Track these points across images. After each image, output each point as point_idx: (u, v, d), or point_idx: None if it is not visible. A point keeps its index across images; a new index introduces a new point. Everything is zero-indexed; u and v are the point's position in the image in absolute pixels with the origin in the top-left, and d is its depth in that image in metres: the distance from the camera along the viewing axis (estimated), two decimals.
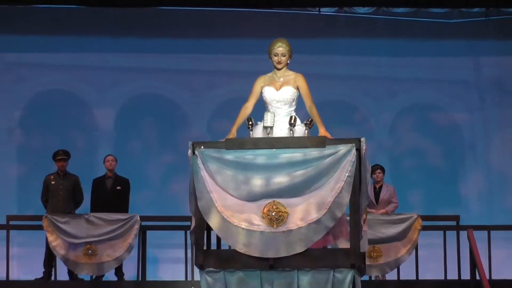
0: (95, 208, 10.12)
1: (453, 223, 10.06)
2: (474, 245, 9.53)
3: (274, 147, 6.00)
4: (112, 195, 10.24)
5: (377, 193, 10.08)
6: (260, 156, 5.98)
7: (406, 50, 12.04)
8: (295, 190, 5.93)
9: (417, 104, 12.12)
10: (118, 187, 10.28)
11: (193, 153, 5.99)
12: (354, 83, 12.00)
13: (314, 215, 5.88)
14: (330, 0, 11.56)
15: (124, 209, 10.16)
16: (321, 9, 11.87)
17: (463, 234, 9.84)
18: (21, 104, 11.92)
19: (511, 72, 12.04)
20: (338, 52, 11.87)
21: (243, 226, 5.91)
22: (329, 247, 6.37)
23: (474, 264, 9.48)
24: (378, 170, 10.14)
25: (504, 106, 12.05)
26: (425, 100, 12.14)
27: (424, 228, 9.56)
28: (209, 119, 11.84)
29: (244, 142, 6.06)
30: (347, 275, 5.90)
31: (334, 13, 11.99)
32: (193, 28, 11.90)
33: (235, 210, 5.93)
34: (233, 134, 6.34)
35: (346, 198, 5.94)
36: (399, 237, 9.48)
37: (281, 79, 6.52)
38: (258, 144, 6.02)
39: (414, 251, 9.56)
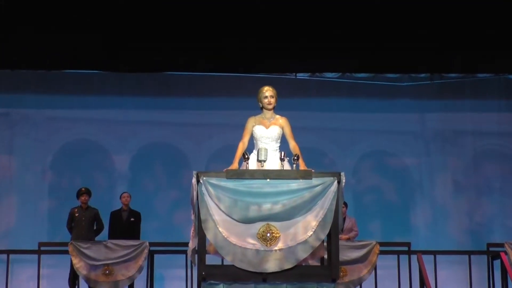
0: (112, 236, 9.91)
1: (405, 248, 9.90)
2: (423, 267, 9.37)
3: (268, 178, 5.73)
4: (126, 225, 10.07)
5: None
6: (256, 185, 5.70)
7: (366, 107, 11.84)
8: (286, 215, 5.69)
9: (375, 151, 11.92)
10: (132, 219, 10.12)
11: (198, 181, 5.68)
12: (324, 133, 11.84)
13: (302, 236, 5.68)
14: (304, 67, 11.32)
15: (137, 237, 9.96)
16: (297, 74, 11.79)
17: (414, 257, 9.68)
18: (53, 151, 11.68)
19: (450, 125, 11.88)
20: (311, 109, 11.73)
21: (240, 245, 5.60)
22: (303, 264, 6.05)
23: (423, 283, 9.31)
24: (342, 205, 9.80)
25: (445, 153, 11.85)
26: (381, 147, 11.93)
27: (382, 252, 9.42)
28: (206, 163, 11.57)
29: (242, 172, 5.76)
30: None
31: (307, 78, 11.86)
32: (195, 89, 11.74)
33: (234, 231, 5.63)
34: (235, 166, 6.06)
35: (329, 222, 5.70)
36: (361, 259, 9.33)
37: (270, 120, 6.34)
38: (254, 174, 5.75)
39: (373, 271, 9.43)
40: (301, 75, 11.81)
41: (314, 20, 10.36)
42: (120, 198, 10.24)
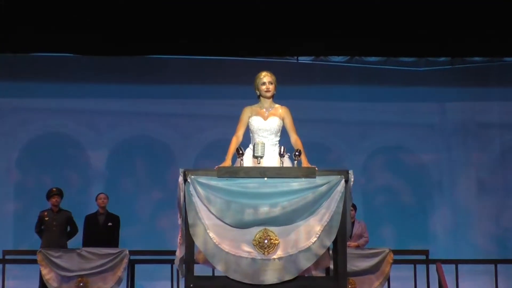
0: (87, 243, 9.88)
1: (423, 257, 9.90)
2: (442, 278, 9.35)
3: (265, 176, 5.67)
4: (103, 230, 10.05)
5: None
6: (251, 185, 5.64)
7: (377, 96, 11.85)
8: (286, 219, 5.63)
9: (387, 146, 11.92)
10: (109, 223, 10.10)
11: (185, 180, 5.63)
12: (329, 126, 11.84)
13: (304, 243, 5.63)
14: (307, 49, 11.32)
15: (115, 244, 9.94)
16: (299, 58, 11.78)
17: (432, 267, 9.68)
18: (19, 146, 11.67)
19: (473, 116, 11.92)
20: (314, 98, 11.70)
21: (233, 253, 5.56)
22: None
23: None
24: (351, 208, 9.83)
25: (467, 147, 11.89)
26: (394, 142, 11.94)
27: (396, 261, 9.39)
28: (195, 159, 11.57)
29: (236, 170, 5.71)
30: None
31: (311, 62, 11.86)
32: (182, 75, 11.71)
33: (226, 237, 5.58)
34: (228, 162, 6.04)
35: (335, 226, 5.65)
36: (372, 270, 9.29)
37: (268, 110, 6.34)
38: (250, 172, 5.68)
39: (386, 284, 9.40)
40: (303, 59, 11.80)
41: None
42: (96, 199, 10.22)
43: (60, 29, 10.45)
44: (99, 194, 10.30)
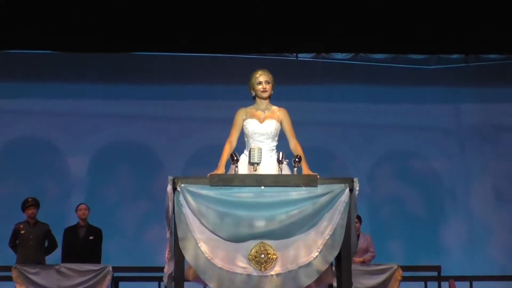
0: (66, 258, 9.89)
1: (434, 273, 9.99)
2: None
3: (262, 185, 5.66)
4: (84, 245, 10.07)
5: None
6: (247, 194, 5.62)
7: (384, 96, 11.90)
8: (285, 231, 5.61)
9: (396, 151, 11.98)
10: (91, 237, 10.12)
11: (174, 189, 5.61)
12: (331, 129, 11.88)
13: (304, 258, 5.62)
14: (307, 46, 11.36)
15: (97, 260, 9.95)
16: (299, 55, 11.80)
17: (445, 285, 9.76)
18: None
19: (491, 119, 11.98)
20: (315, 98, 11.74)
21: (227, 268, 5.55)
22: None
23: None
24: (355, 220, 9.83)
25: (483, 153, 11.94)
26: (403, 147, 11.98)
27: (405, 278, 9.42)
28: (185, 166, 11.60)
29: (230, 178, 5.70)
30: None
31: (311, 59, 11.90)
32: (169, 74, 11.76)
33: (219, 251, 5.57)
34: (221, 170, 6.04)
35: (339, 240, 5.64)
36: (379, 287, 9.30)
37: (265, 112, 6.36)
38: (245, 181, 5.66)
39: None
40: (303, 56, 11.84)
41: None
42: (76, 211, 10.23)
43: (34, 25, 10.53)
44: (80, 204, 10.31)
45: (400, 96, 11.87)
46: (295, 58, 11.80)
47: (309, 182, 5.67)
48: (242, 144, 6.37)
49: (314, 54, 11.78)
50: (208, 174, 5.73)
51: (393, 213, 11.78)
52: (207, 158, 10.91)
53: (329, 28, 10.79)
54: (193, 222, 5.57)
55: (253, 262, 5.54)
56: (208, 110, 11.54)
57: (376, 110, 11.87)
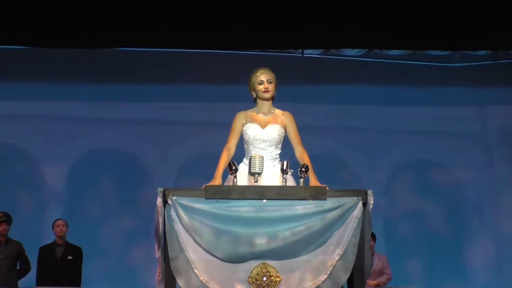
0: (41, 281, 9.92)
1: None
2: None
3: (264, 198, 5.68)
4: (62, 265, 10.10)
5: None
6: (247, 208, 5.66)
7: (402, 98, 11.93)
8: (289, 251, 5.66)
9: (415, 160, 11.98)
10: (69, 257, 10.15)
11: (165, 202, 5.62)
12: (342, 135, 11.90)
13: (312, 281, 5.66)
14: (314, 41, 11.36)
15: (76, 282, 10.00)
16: (305, 51, 11.80)
17: None
18: None
19: None
20: (324, 100, 11.78)
21: None
22: None
23: None
24: (369, 238, 9.84)
25: None
26: (423, 155, 11.99)
27: None
28: (176, 177, 11.63)
29: (227, 190, 5.72)
30: None
31: (319, 56, 11.92)
32: (158, 73, 11.76)
33: (216, 273, 5.60)
34: (218, 181, 6.06)
35: (351, 261, 5.68)
36: None
37: (267, 116, 6.39)
38: (245, 193, 5.70)
39: None
40: (309, 52, 11.85)
41: None
42: (53, 227, 10.25)
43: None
44: (57, 220, 10.33)
45: (419, 98, 11.90)
46: (300, 55, 11.82)
47: (317, 194, 5.70)
48: (241, 152, 6.38)
49: (322, 50, 11.79)
50: (203, 186, 5.73)
51: (412, 230, 11.79)
52: (201, 167, 10.91)
53: (339, 20, 10.79)
54: (186, 240, 5.59)
55: (254, 286, 5.57)
56: (203, 113, 11.58)
57: (392, 113, 11.89)
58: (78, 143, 11.81)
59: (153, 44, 11.33)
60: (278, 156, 6.36)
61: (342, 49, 11.80)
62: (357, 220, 5.69)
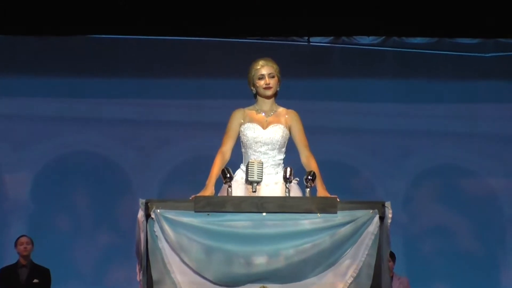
0: None
1: None
2: None
3: (264, 211, 5.69)
4: None
5: None
6: (244, 223, 5.66)
7: (425, 93, 11.93)
8: (293, 272, 5.67)
9: (440, 167, 12.01)
10: (35, 280, 10.21)
11: (147, 216, 5.62)
12: (355, 137, 11.90)
13: None
14: (323, 28, 11.34)
15: None
16: (311, 39, 11.81)
17: None
18: None
19: None
20: (333, 96, 11.82)
21: None
22: None
23: None
24: (388, 258, 9.89)
25: None
26: (450, 160, 12.03)
27: None
28: (160, 186, 11.68)
29: (221, 202, 5.72)
30: None
31: (328, 44, 11.95)
32: (140, 64, 11.77)
33: None
34: (210, 190, 6.04)
35: (366, 284, 5.71)
36: None
37: (269, 115, 6.40)
38: (241, 205, 5.69)
39: None
40: (317, 40, 11.87)
41: None
42: (16, 245, 10.31)
43: None
44: (20, 237, 10.38)
45: (445, 93, 11.93)
46: (306, 43, 11.84)
47: (326, 207, 5.70)
48: (238, 157, 6.38)
49: (331, 37, 11.81)
50: (192, 196, 5.74)
51: (437, 248, 11.82)
52: (190, 174, 11.04)
53: (351, 3, 10.81)
54: (172, 260, 5.60)
55: None
56: (193, 112, 11.64)
57: (414, 112, 11.93)
58: (45, 147, 11.84)
59: (132, 30, 11.32)
60: (281, 161, 6.36)
61: (355, 37, 11.82)
62: (372, 237, 5.70)
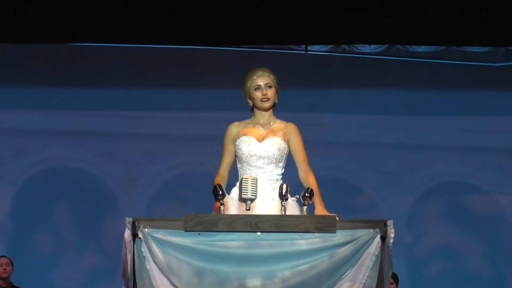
0: None
1: None
2: None
3: (258, 230, 5.70)
4: None
5: None
6: (237, 243, 5.68)
7: (430, 105, 11.96)
8: None
9: (447, 183, 12.03)
10: None
11: (134, 235, 5.64)
12: (356, 152, 11.93)
13: None
14: (321, 36, 11.40)
15: None
16: (309, 47, 11.84)
17: None
18: None
19: None
20: (332, 107, 11.86)
21: None
22: None
23: None
24: (390, 280, 9.90)
25: None
26: (457, 177, 12.04)
27: None
28: (148, 203, 11.67)
29: (213, 220, 5.72)
30: None
31: (327, 53, 11.98)
32: (127, 73, 11.83)
33: None
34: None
35: None
36: None
37: (266, 127, 6.42)
38: (234, 224, 5.70)
39: None
40: (315, 49, 11.91)
41: None
42: None
43: None
44: None
45: (452, 105, 11.96)
46: (304, 52, 11.89)
47: (324, 226, 5.71)
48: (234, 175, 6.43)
49: (331, 46, 11.84)
50: (185, 215, 5.71)
51: (443, 270, 11.83)
52: (180, 191, 11.04)
53: (352, 8, 10.85)
54: (161, 282, 5.61)
55: None
56: (182, 125, 11.64)
57: (419, 125, 11.96)
58: (26, 161, 11.87)
59: (118, 38, 11.38)
60: (279, 177, 6.40)
61: (355, 45, 11.85)
62: (374, 258, 5.71)
